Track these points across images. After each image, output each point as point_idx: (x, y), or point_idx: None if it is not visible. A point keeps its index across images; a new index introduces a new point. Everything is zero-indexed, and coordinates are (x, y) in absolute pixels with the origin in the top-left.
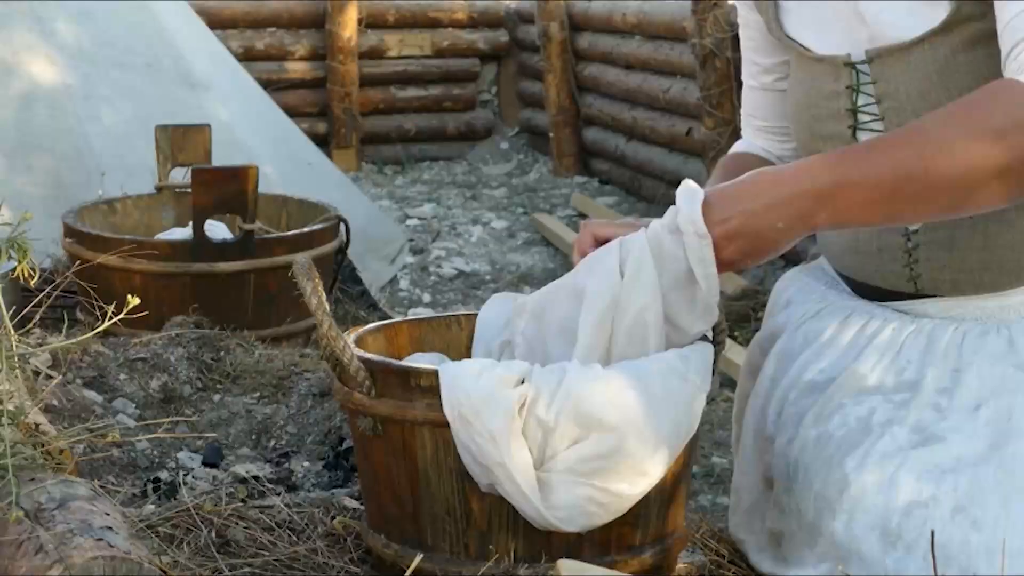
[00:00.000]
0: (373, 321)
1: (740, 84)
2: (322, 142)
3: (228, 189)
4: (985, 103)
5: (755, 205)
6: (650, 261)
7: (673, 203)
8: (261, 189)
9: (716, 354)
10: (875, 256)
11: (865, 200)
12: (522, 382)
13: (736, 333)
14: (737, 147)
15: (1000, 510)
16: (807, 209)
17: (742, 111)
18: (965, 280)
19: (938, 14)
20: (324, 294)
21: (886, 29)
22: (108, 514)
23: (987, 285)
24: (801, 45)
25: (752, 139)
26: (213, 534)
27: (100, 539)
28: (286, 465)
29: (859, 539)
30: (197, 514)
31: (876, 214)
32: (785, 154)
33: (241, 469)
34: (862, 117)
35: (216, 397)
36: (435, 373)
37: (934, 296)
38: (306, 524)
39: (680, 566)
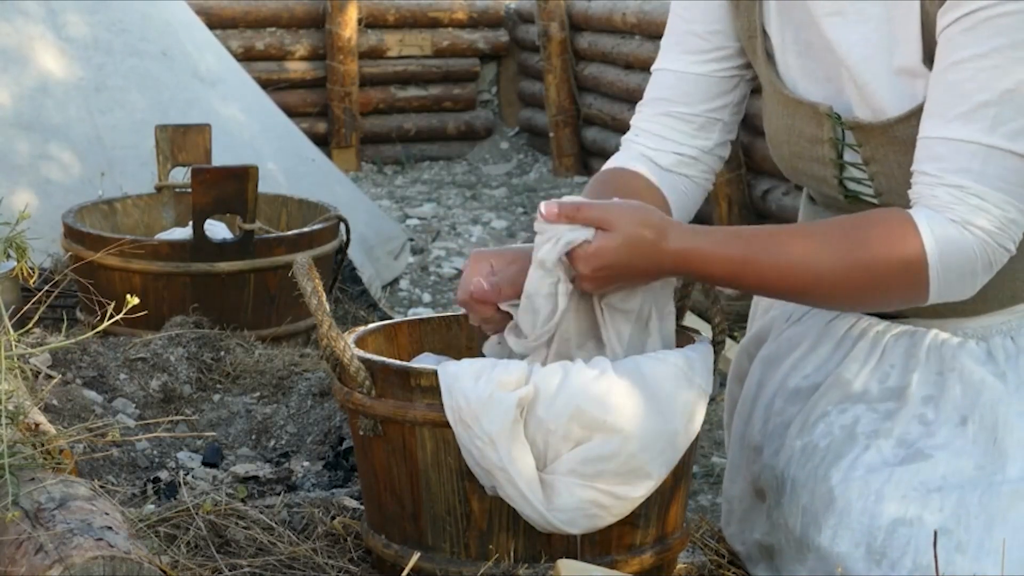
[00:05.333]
0: (373, 321)
1: None
2: (322, 142)
3: (228, 189)
4: (873, 251)
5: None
6: None
7: None
8: (264, 187)
9: (716, 354)
10: None
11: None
12: (525, 382)
13: (736, 333)
14: (616, 161)
15: (984, 533)
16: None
17: (649, 96)
18: (944, 307)
19: (920, 90)
20: (324, 294)
21: (869, 95)
22: (108, 514)
23: (967, 312)
24: (779, 77)
25: (651, 129)
26: (213, 534)
27: (100, 539)
28: (286, 465)
29: (844, 555)
30: (197, 514)
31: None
32: (689, 152)
33: (241, 469)
34: (850, 171)
35: (216, 397)
36: (435, 373)
37: (915, 317)
38: (306, 524)
39: (680, 566)
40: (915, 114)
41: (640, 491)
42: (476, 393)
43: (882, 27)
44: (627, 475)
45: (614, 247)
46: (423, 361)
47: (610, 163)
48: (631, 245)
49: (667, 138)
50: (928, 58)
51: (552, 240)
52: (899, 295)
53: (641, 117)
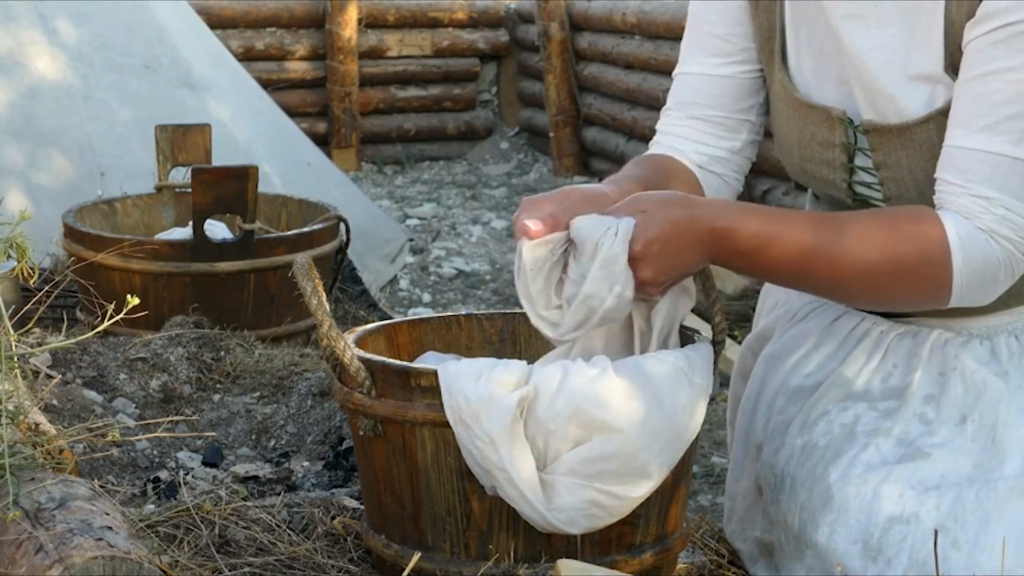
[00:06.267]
0: (373, 321)
1: None
2: (322, 142)
3: (228, 189)
4: (903, 254)
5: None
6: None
7: None
8: (260, 189)
9: (716, 354)
10: None
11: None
12: (524, 382)
13: (736, 333)
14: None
15: (980, 530)
16: (719, 255)
17: (675, 100)
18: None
19: (939, 95)
20: (324, 294)
21: (882, 99)
22: (108, 514)
23: (973, 311)
24: (791, 79)
25: (679, 133)
26: (213, 534)
27: (100, 539)
28: (286, 465)
29: (841, 552)
30: (197, 514)
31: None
32: (718, 153)
33: (241, 469)
34: (860, 175)
35: (216, 397)
36: (435, 373)
37: (921, 317)
38: (306, 524)
39: (680, 566)
40: (933, 118)
41: (640, 491)
42: (476, 393)
43: (902, 32)
44: (627, 475)
45: (655, 221)
46: (427, 359)
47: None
48: (668, 219)
49: (696, 140)
50: (951, 66)
51: (610, 233)
52: (921, 292)
53: (667, 122)
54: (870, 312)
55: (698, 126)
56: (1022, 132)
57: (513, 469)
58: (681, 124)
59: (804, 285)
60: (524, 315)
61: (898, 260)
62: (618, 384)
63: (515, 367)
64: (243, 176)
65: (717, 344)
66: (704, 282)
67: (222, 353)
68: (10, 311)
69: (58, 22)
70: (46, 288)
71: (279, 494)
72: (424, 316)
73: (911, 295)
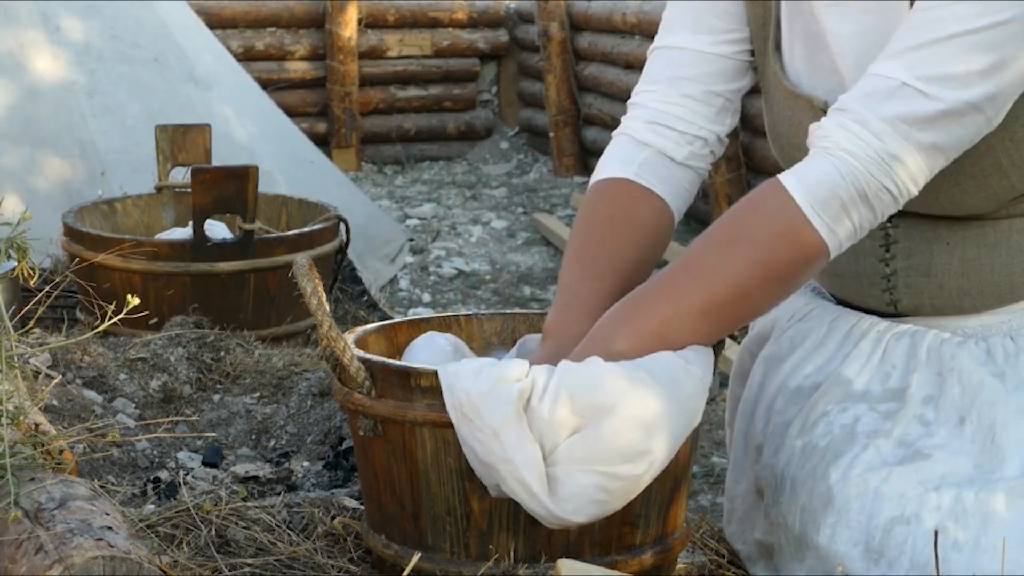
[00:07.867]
0: (373, 321)
1: None
2: (322, 142)
3: (228, 189)
4: (747, 223)
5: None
6: None
7: None
8: (263, 188)
9: (716, 354)
10: (854, 280)
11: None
12: (525, 376)
13: (735, 333)
14: (619, 166)
15: (980, 531)
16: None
17: (666, 74)
18: (945, 304)
19: None
20: (324, 294)
21: None
22: (108, 514)
23: (967, 309)
24: (783, 68)
25: (672, 112)
26: (213, 534)
27: (100, 539)
28: (286, 465)
29: (842, 554)
30: (197, 514)
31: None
32: (708, 135)
33: (241, 469)
34: None
35: (216, 397)
36: (435, 373)
37: (916, 316)
38: (306, 524)
39: (680, 566)
40: None
41: (642, 468)
42: (477, 387)
43: (880, 19)
44: (626, 452)
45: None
46: (428, 340)
47: (613, 169)
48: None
49: (688, 120)
50: None
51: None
52: (795, 251)
53: (655, 97)
54: (868, 312)
55: (691, 105)
56: (916, 60)
57: (518, 461)
58: (676, 103)
59: (713, 324)
60: (524, 315)
61: (754, 240)
62: (612, 369)
63: (515, 364)
64: (243, 176)
65: (717, 344)
66: None
67: (222, 353)
68: (10, 311)
69: (63, 19)
70: (46, 288)
71: (279, 494)
72: (424, 316)
73: (791, 266)
